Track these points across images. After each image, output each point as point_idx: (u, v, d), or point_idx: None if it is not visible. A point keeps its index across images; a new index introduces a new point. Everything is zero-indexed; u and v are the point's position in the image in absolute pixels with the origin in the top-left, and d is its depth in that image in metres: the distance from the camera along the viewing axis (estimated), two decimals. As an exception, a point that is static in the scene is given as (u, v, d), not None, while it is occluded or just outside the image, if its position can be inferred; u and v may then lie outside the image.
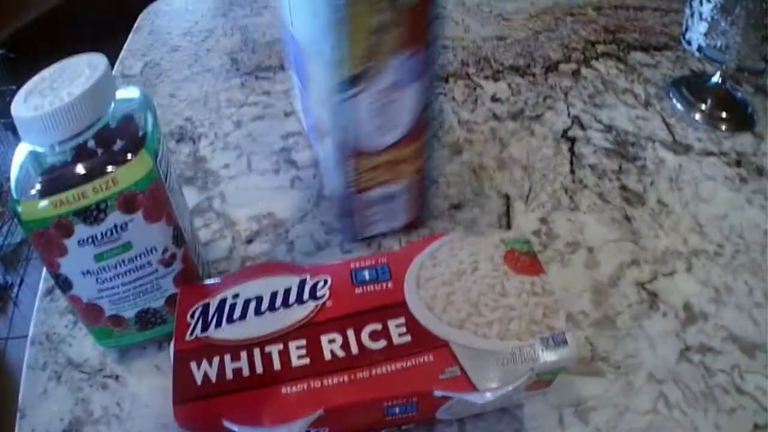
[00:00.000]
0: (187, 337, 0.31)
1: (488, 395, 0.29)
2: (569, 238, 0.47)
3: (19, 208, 0.31)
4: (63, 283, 0.34)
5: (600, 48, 0.66)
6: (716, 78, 0.59)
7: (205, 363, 0.30)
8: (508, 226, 0.47)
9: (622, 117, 0.58)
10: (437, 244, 0.36)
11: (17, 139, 0.32)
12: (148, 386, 0.38)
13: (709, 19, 0.54)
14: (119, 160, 0.32)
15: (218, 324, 0.32)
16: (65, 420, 0.37)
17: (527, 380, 0.30)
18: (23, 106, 0.31)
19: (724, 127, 0.57)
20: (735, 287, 0.44)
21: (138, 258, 0.34)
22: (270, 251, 0.47)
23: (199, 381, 0.29)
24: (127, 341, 0.39)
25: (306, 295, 0.33)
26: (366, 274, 0.34)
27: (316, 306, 0.32)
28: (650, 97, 0.60)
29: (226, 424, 0.27)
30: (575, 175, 0.52)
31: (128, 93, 0.35)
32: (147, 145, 0.33)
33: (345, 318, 0.32)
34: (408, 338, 0.31)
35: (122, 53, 0.73)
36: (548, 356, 0.31)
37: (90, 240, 0.33)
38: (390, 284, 0.33)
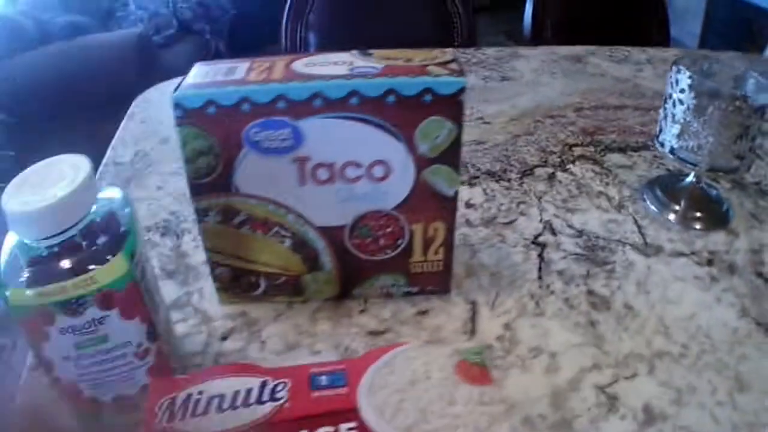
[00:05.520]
0: (155, 426, 0.40)
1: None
2: (532, 343, 0.55)
3: (7, 293, 0.40)
4: (46, 365, 0.44)
5: (577, 151, 0.78)
6: (690, 177, 0.69)
7: None
8: (473, 332, 0.57)
9: (594, 221, 0.68)
10: (394, 353, 0.45)
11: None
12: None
13: (681, 120, 0.65)
14: (100, 259, 0.41)
15: (183, 417, 0.40)
16: None
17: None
18: (13, 200, 0.40)
19: (698, 227, 0.67)
20: (698, 386, 0.51)
21: (114, 350, 0.44)
22: (243, 348, 0.56)
23: None
24: (104, 422, 0.48)
25: (266, 397, 0.41)
26: (323, 379, 0.43)
27: (274, 407, 0.41)
28: (624, 200, 0.70)
29: None
30: (543, 281, 0.61)
31: (111, 193, 0.46)
32: (125, 248, 0.42)
33: (300, 420, 0.40)
34: None
35: (114, 140, 0.86)
36: (490, 462, 0.39)
37: (70, 330, 0.42)
38: (345, 390, 0.42)
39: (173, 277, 0.63)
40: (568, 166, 0.76)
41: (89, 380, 0.45)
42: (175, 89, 0.49)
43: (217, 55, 2.78)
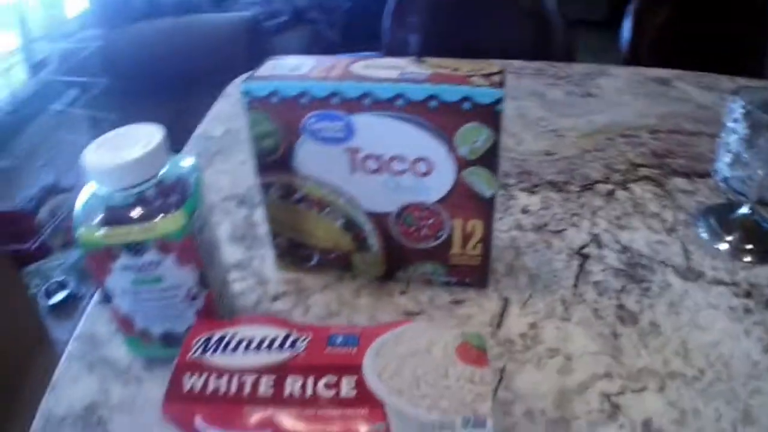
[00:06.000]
0: (188, 357, 0.47)
1: (403, 454, 0.42)
2: (552, 344, 0.58)
3: (79, 232, 0.49)
4: (105, 296, 0.52)
5: (642, 171, 0.79)
6: (744, 209, 0.70)
7: (195, 377, 0.45)
8: (498, 326, 0.60)
9: (641, 240, 0.69)
10: (406, 327, 0.50)
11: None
12: (160, 390, 0.50)
13: (734, 150, 0.65)
14: (164, 213, 0.49)
15: (214, 352, 0.47)
16: (86, 400, 0.55)
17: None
18: (93, 156, 0.48)
19: (748, 259, 0.67)
20: (704, 412, 0.52)
21: (167, 290, 0.51)
22: (289, 310, 0.63)
23: (186, 388, 0.44)
24: (152, 354, 0.56)
25: (287, 345, 0.47)
26: (340, 339, 0.48)
27: (291, 355, 0.47)
28: (677, 224, 0.71)
29: (197, 422, 0.43)
30: (577, 289, 0.64)
31: (185, 161, 0.54)
32: (186, 206, 0.50)
33: (311, 368, 0.45)
34: (354, 393, 0.44)
35: (208, 116, 0.95)
36: (465, 432, 0.43)
37: (130, 268, 0.50)
38: (355, 350, 0.47)
39: (241, 242, 0.71)
40: (629, 185, 0.77)
41: (142, 313, 0.53)
42: (247, 78, 0.56)
43: (330, 46, 2.82)
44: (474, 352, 0.47)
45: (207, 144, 0.91)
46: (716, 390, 0.54)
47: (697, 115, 0.90)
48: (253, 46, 2.23)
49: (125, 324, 0.54)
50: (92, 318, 0.63)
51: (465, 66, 0.55)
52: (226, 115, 0.96)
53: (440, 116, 0.53)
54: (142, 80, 2.18)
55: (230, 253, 0.70)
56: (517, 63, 1.12)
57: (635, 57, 1.39)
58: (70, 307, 2.01)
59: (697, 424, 0.51)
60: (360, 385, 0.45)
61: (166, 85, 2.04)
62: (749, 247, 0.68)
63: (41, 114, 2.45)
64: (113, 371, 0.57)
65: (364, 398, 0.44)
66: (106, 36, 2.37)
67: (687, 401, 0.53)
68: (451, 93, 0.52)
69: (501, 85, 0.52)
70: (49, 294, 2.10)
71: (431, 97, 0.52)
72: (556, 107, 0.96)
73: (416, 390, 0.45)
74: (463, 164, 0.56)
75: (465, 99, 0.52)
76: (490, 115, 0.53)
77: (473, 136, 0.54)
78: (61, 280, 2.14)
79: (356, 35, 2.69)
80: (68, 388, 0.56)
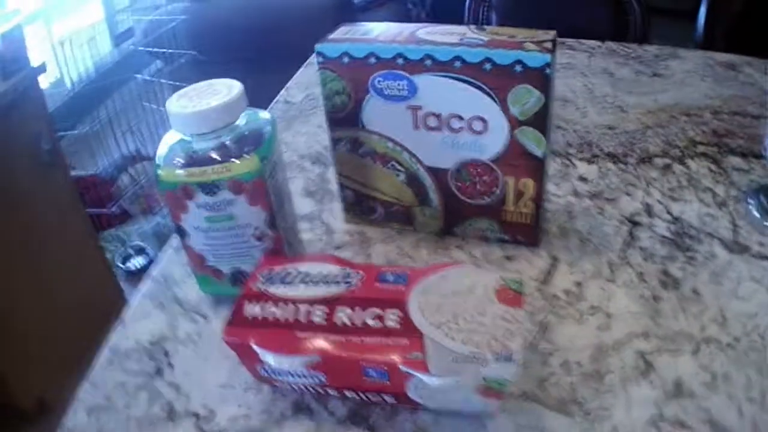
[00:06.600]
0: (253, 288, 0.51)
1: (436, 381, 0.45)
2: (595, 302, 0.60)
3: (160, 171, 0.53)
4: (181, 233, 0.57)
5: (700, 149, 0.79)
6: (795, 190, 0.69)
7: (255, 304, 0.50)
8: (545, 282, 0.62)
9: (692, 212, 0.70)
10: (453, 269, 0.53)
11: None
12: (224, 325, 0.54)
13: (780, 128, 0.66)
14: (239, 157, 0.53)
15: (276, 284, 0.51)
16: (154, 334, 0.60)
17: (473, 381, 0.45)
18: (175, 104, 0.52)
19: (795, 240, 0.67)
20: (735, 378, 0.52)
21: (238, 228, 0.56)
22: (350, 258, 0.66)
23: (247, 315, 0.49)
24: (221, 291, 0.60)
25: (341, 281, 0.52)
26: (390, 276, 0.52)
27: (345, 288, 0.51)
28: (728, 199, 0.72)
29: (253, 345, 0.47)
30: (625, 253, 0.65)
31: (263, 115, 0.58)
32: (259, 151, 0.54)
33: (361, 301, 0.50)
34: (397, 325, 0.48)
35: (289, 83, 1.00)
36: (494, 365, 0.45)
37: (205, 205, 0.54)
38: (403, 287, 0.51)
39: (312, 196, 0.76)
40: (686, 161, 0.78)
41: (214, 251, 0.57)
42: (321, 40, 0.60)
43: (418, 24, 2.75)
44: (512, 295, 0.50)
45: (286, 108, 0.96)
46: (749, 359, 0.54)
47: (762, 100, 0.89)
48: (342, 22, 2.17)
49: (198, 261, 0.59)
50: (168, 261, 0.68)
51: (521, 33, 0.58)
52: (307, 82, 1.01)
53: (494, 78, 0.56)
54: (227, 53, 2.19)
55: (302, 205, 0.74)
56: (589, 42, 1.12)
57: (709, 45, 1.36)
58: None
59: (726, 389, 0.52)
60: (403, 317, 0.49)
61: (252, 59, 2.06)
62: (798, 227, 0.68)
63: (125, 83, 2.48)
64: (183, 309, 0.62)
65: (406, 329, 0.48)
66: (191, 9, 2.39)
67: (719, 366, 0.54)
68: (504, 56, 0.55)
69: (551, 50, 0.55)
70: (125, 258, 2.17)
71: (486, 59, 0.55)
72: (623, 85, 0.96)
73: (454, 325, 0.48)
74: (515, 124, 0.58)
75: (517, 62, 0.55)
76: (539, 78, 0.55)
77: (524, 98, 0.56)
78: (140, 246, 2.20)
79: (444, 14, 2.66)
80: (138, 324, 0.61)
